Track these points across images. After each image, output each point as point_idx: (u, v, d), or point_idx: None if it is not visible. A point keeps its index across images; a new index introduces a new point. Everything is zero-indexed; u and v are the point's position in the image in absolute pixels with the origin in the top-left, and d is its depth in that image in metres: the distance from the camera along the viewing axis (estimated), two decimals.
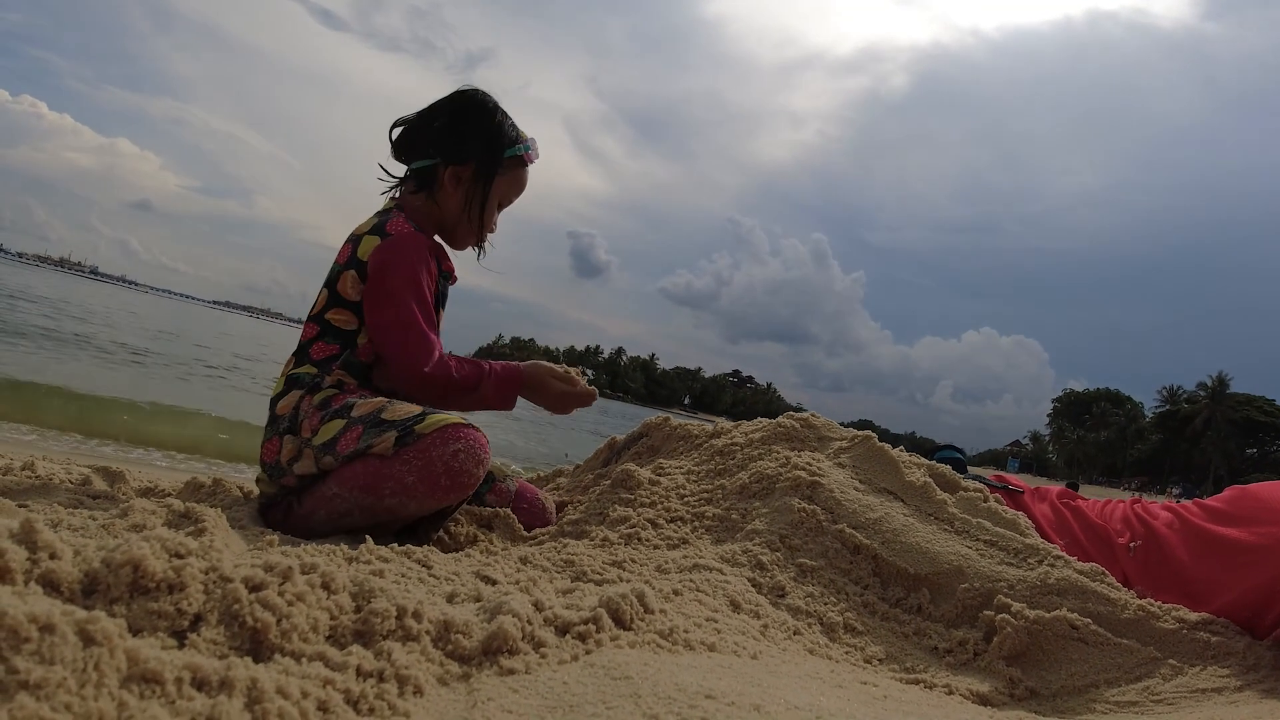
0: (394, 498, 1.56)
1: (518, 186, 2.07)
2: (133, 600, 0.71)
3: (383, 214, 1.91)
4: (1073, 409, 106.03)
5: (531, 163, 2.08)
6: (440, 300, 1.98)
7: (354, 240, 1.85)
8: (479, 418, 2.41)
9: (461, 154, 1.96)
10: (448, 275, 2.02)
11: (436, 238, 2.00)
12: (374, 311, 1.79)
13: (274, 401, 1.79)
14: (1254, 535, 1.62)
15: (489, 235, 2.06)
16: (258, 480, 1.82)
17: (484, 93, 2.01)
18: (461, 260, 2.12)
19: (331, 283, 1.83)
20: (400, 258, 1.81)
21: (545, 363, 1.97)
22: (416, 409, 1.67)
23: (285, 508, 1.73)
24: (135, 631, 0.68)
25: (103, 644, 0.58)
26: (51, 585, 0.70)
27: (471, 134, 1.97)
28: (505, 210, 2.10)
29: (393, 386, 1.82)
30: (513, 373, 1.93)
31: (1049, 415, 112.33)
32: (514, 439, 11.00)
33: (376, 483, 1.58)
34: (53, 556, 0.71)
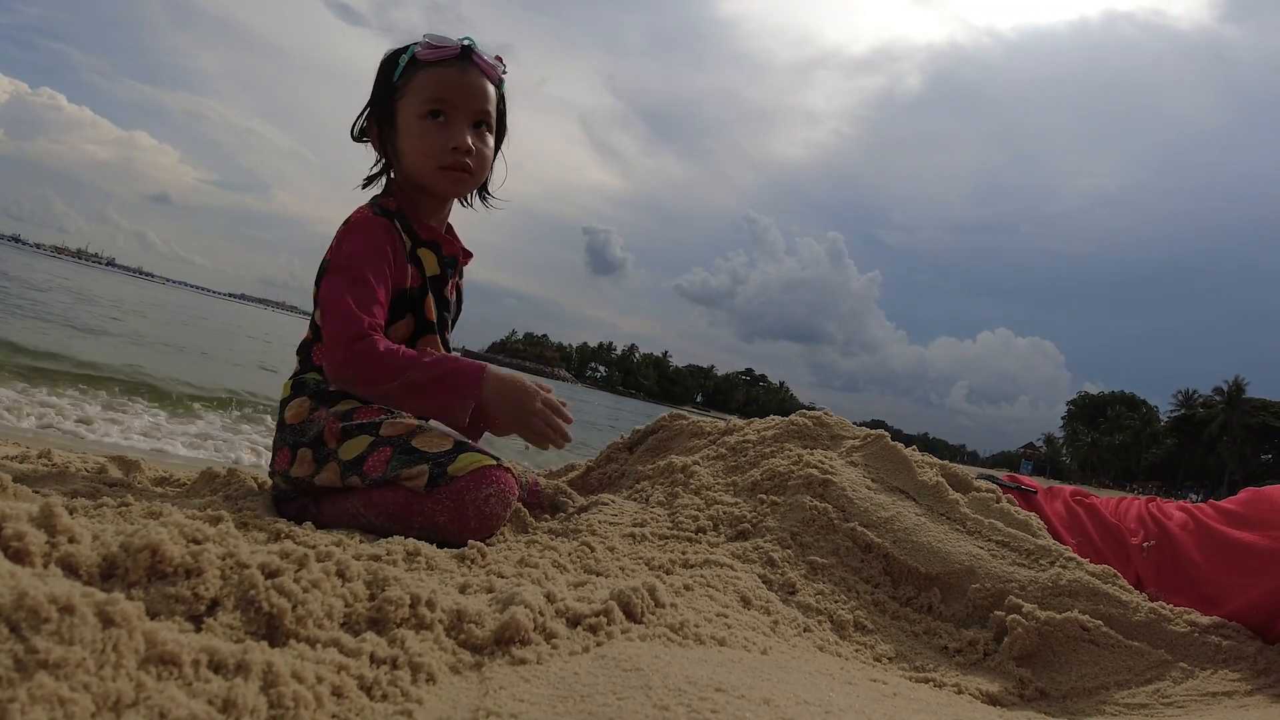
0: (421, 530, 1.51)
1: (430, 89, 1.75)
2: (150, 584, 0.72)
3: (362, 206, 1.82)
4: (1087, 412, 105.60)
5: (442, 56, 1.75)
6: (432, 288, 1.84)
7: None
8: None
9: (367, 110, 1.85)
10: (452, 261, 1.90)
11: (423, 223, 1.84)
12: (321, 294, 1.70)
13: (283, 405, 1.76)
14: (1268, 539, 1.62)
15: (467, 156, 1.77)
16: (270, 476, 1.80)
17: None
18: (479, 248, 1.98)
19: (317, 279, 1.77)
20: (346, 237, 1.72)
21: (518, 376, 1.65)
22: (448, 441, 1.63)
23: (300, 506, 1.69)
24: (153, 615, 0.69)
25: (122, 625, 0.59)
26: (70, 568, 0.71)
27: (375, 87, 1.83)
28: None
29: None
30: (470, 377, 1.61)
31: (1063, 418, 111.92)
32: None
33: (406, 514, 1.55)
34: (72, 540, 0.72)
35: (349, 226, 1.74)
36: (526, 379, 1.66)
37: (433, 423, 1.72)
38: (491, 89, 1.82)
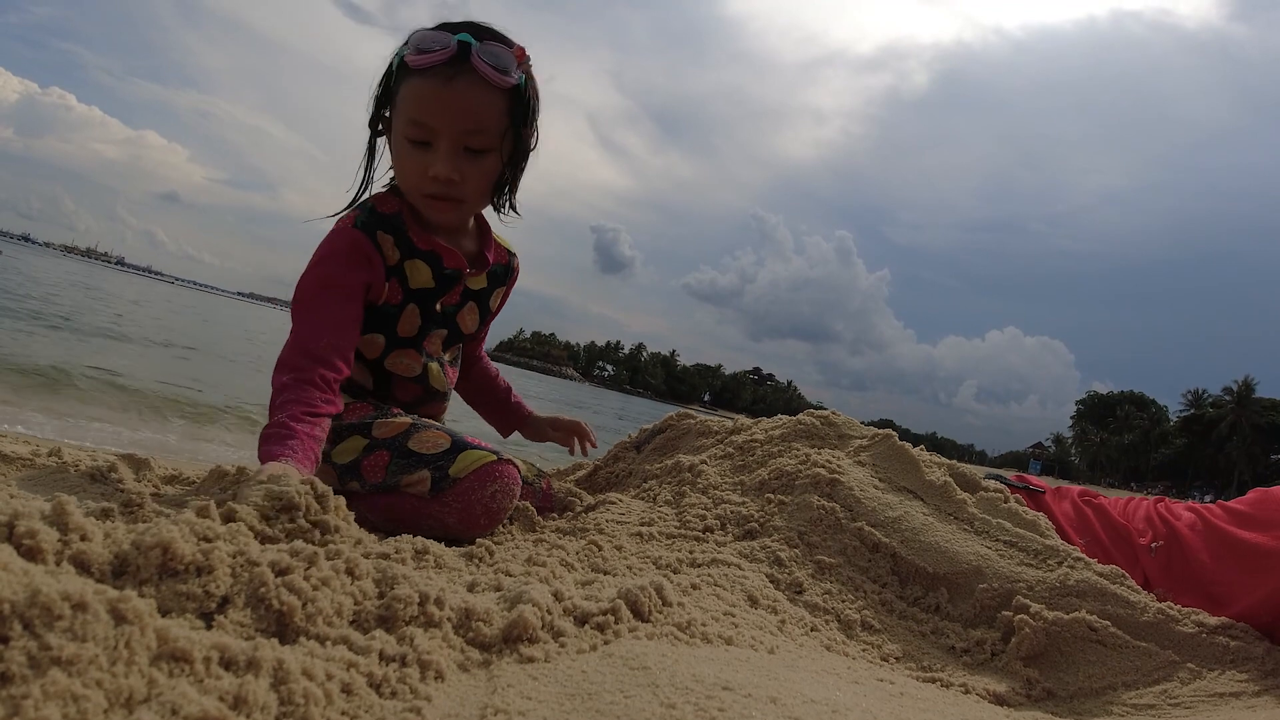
0: (431, 533, 1.46)
1: (411, 107, 1.58)
2: (161, 582, 0.73)
3: (360, 201, 1.73)
4: (1096, 411, 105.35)
5: (424, 65, 1.55)
6: (420, 301, 1.74)
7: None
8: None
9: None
10: (455, 274, 1.77)
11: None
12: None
13: None
14: (1275, 540, 1.61)
15: (445, 187, 1.61)
16: None
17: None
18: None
19: None
20: (317, 253, 1.64)
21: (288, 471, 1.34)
22: (444, 440, 1.60)
23: None
24: (164, 612, 0.70)
25: (134, 622, 0.59)
26: (82, 566, 0.71)
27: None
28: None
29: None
30: (270, 450, 1.39)
31: (1072, 417, 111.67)
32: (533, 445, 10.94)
33: (414, 519, 1.54)
34: (84, 538, 0.73)
35: (328, 236, 1.66)
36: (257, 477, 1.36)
37: (425, 420, 1.70)
38: (491, 100, 1.59)
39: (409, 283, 1.71)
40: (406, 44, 1.60)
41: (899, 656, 1.39)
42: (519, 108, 1.64)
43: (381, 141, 1.75)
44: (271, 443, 1.39)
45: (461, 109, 1.56)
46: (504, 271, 1.94)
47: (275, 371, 1.53)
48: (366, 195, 1.75)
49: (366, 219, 1.66)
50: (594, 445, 2.29)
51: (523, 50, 1.63)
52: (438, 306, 1.78)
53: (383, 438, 1.61)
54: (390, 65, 1.63)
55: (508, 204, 1.83)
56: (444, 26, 1.59)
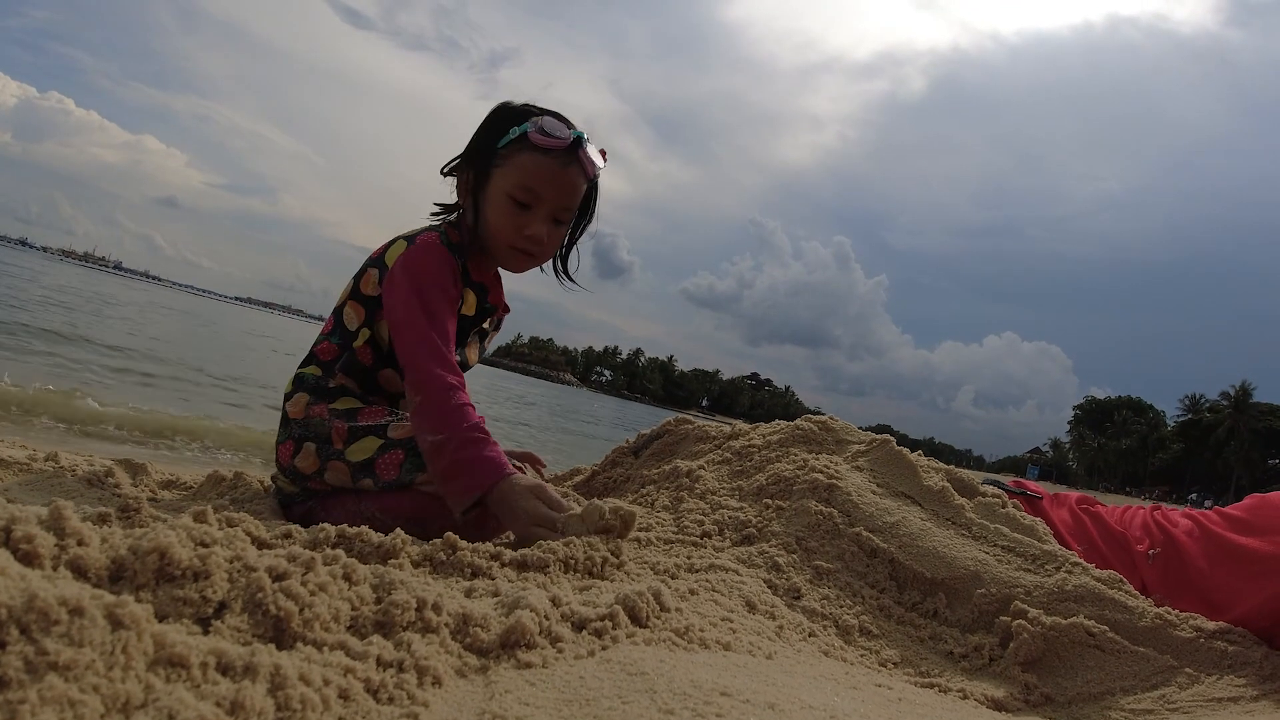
0: (440, 531, 1.40)
1: (526, 175, 1.78)
2: (159, 587, 0.73)
3: (427, 227, 1.87)
4: (1094, 416, 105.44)
5: (549, 147, 1.78)
6: (469, 326, 1.91)
7: (390, 242, 1.84)
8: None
9: (463, 156, 1.89)
10: (492, 309, 1.97)
11: (484, 272, 1.93)
12: (391, 309, 1.72)
13: (286, 398, 1.80)
14: (1273, 545, 1.61)
15: (536, 246, 1.84)
16: (274, 478, 1.83)
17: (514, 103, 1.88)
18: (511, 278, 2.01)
19: (357, 276, 1.84)
20: (416, 258, 1.75)
21: (537, 485, 1.51)
22: None
23: (307, 509, 1.73)
24: (161, 617, 0.70)
25: (131, 628, 0.59)
26: (79, 571, 0.71)
27: (478, 134, 1.87)
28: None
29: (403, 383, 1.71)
30: (489, 456, 1.55)
31: (1070, 423, 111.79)
32: (528, 442, 10.96)
33: (424, 516, 1.58)
34: (81, 543, 0.73)
35: (420, 248, 1.77)
36: (544, 498, 1.48)
37: None
38: (581, 185, 1.88)
39: (462, 308, 1.86)
40: (525, 124, 1.79)
41: (897, 662, 1.39)
42: (592, 194, 1.97)
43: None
44: (480, 447, 1.56)
45: (567, 188, 1.84)
46: (493, 310, 2.05)
47: (429, 364, 1.63)
48: (456, 209, 1.95)
49: (446, 244, 1.81)
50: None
51: (605, 151, 1.93)
52: (469, 335, 1.93)
53: (398, 438, 1.66)
54: (506, 130, 1.81)
55: (566, 271, 2.07)
56: (549, 114, 1.84)
